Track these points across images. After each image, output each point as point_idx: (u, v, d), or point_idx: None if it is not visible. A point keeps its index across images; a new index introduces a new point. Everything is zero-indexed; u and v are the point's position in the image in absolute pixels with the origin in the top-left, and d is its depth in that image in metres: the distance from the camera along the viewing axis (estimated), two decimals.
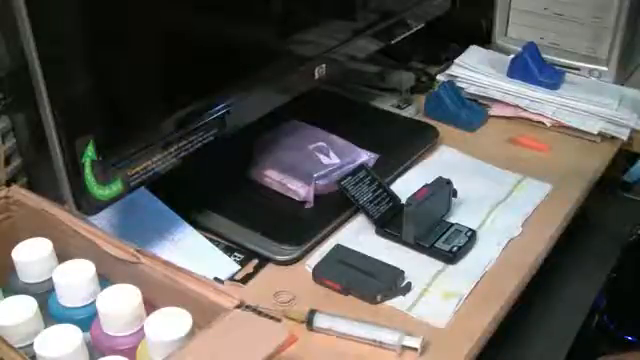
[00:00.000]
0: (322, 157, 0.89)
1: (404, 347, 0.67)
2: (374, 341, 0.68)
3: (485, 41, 1.19)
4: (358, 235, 0.82)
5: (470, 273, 0.77)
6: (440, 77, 1.11)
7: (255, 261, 0.79)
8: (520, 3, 1.16)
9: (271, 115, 0.84)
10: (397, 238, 0.81)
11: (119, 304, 0.57)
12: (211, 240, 0.81)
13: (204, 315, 0.54)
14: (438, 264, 0.78)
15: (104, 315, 0.57)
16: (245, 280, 0.77)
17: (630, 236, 1.14)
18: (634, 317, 1.08)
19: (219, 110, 0.76)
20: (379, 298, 0.73)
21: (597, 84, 1.10)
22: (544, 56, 1.10)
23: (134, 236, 0.74)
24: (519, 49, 1.10)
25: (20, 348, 0.54)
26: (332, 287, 0.75)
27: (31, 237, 0.63)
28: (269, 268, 0.78)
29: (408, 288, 0.75)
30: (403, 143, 0.97)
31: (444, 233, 0.80)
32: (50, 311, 0.60)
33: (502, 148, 1.00)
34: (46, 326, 0.57)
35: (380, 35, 1.00)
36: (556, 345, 0.92)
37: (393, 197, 0.85)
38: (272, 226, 0.81)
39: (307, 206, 0.84)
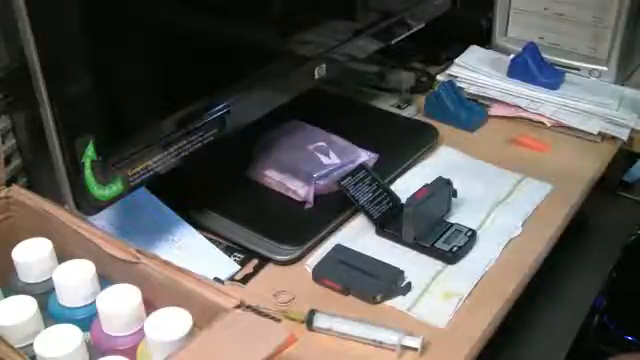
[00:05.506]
0: (322, 157, 0.89)
1: (404, 347, 0.67)
2: (374, 341, 0.68)
3: (485, 41, 1.19)
4: (358, 235, 0.82)
5: (470, 273, 0.77)
6: (440, 77, 1.11)
7: (255, 261, 0.79)
8: (520, 3, 1.16)
9: (271, 115, 0.84)
10: (397, 238, 0.81)
11: (119, 304, 0.56)
12: (211, 240, 0.81)
13: (204, 315, 0.54)
14: (438, 264, 0.78)
15: (104, 315, 0.57)
16: (245, 280, 0.77)
17: (630, 236, 1.14)
18: (634, 317, 1.08)
19: (219, 110, 0.76)
20: (379, 298, 0.73)
21: (597, 84, 1.10)
22: (544, 56, 1.10)
23: (134, 236, 0.75)
24: (519, 49, 1.10)
25: (20, 348, 0.54)
26: (332, 287, 0.75)
27: (31, 237, 0.63)
28: (269, 268, 0.78)
29: (408, 288, 0.75)
30: (403, 143, 0.97)
31: (444, 233, 0.80)
32: (50, 311, 0.60)
33: (502, 148, 1.00)
34: (46, 326, 0.57)
35: (380, 35, 1.00)
36: (556, 345, 0.93)
37: (393, 197, 0.85)
38: (272, 226, 0.81)
39: (307, 206, 0.84)
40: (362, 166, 0.86)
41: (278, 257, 0.78)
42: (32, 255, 0.62)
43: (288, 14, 0.85)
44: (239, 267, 0.78)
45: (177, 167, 0.73)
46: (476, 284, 0.76)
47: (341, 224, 0.84)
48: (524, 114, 1.05)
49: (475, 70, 1.10)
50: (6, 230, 0.66)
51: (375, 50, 1.01)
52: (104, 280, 0.61)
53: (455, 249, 0.78)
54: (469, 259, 0.79)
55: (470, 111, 1.06)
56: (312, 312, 0.70)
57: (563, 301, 0.98)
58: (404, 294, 0.74)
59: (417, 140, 0.99)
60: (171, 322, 0.54)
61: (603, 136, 1.01)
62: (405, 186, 0.88)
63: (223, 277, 0.76)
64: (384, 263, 0.77)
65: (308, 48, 0.88)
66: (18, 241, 0.63)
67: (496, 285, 0.76)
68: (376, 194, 0.84)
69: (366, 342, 0.68)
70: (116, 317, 0.56)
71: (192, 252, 0.78)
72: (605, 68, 1.11)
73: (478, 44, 1.17)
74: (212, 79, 0.76)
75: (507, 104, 1.07)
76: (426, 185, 0.82)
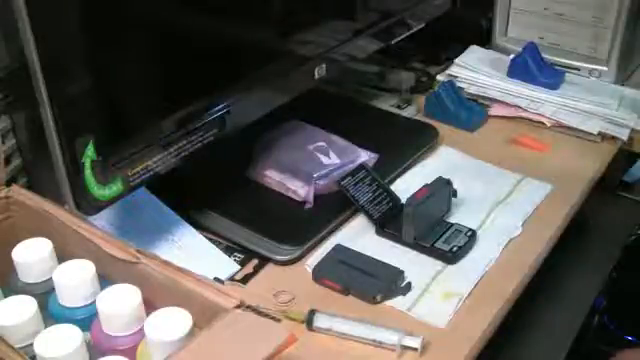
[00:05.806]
0: (322, 157, 0.89)
1: (404, 347, 0.67)
2: (374, 341, 0.68)
3: (485, 41, 1.19)
4: (358, 235, 0.82)
5: (470, 273, 0.77)
6: (440, 77, 1.11)
7: (255, 261, 0.79)
8: (520, 3, 1.16)
9: (271, 115, 0.84)
10: (397, 238, 0.81)
11: (119, 304, 0.56)
12: (211, 240, 0.81)
13: (204, 315, 0.54)
14: (438, 264, 0.78)
15: (104, 315, 0.57)
16: (245, 280, 0.77)
17: (630, 236, 1.14)
18: (634, 317, 1.08)
19: (219, 110, 0.76)
20: (379, 298, 0.73)
21: (597, 84, 1.10)
22: (544, 56, 1.10)
23: (134, 236, 0.75)
24: (519, 49, 1.10)
25: (20, 348, 0.54)
26: (332, 287, 0.75)
27: (31, 237, 0.63)
28: (269, 268, 0.78)
29: (408, 288, 0.75)
30: (403, 143, 0.97)
31: (444, 233, 0.80)
32: (50, 311, 0.60)
33: (502, 148, 1.00)
34: (46, 326, 0.57)
35: (380, 35, 1.00)
36: (556, 345, 0.93)
37: (393, 197, 0.85)
38: (272, 226, 0.81)
39: (307, 206, 0.84)
40: (362, 166, 0.86)
41: (278, 257, 0.78)
42: (32, 255, 0.62)
43: (288, 14, 0.85)
44: (239, 267, 0.78)
45: (177, 167, 0.73)
46: (476, 284, 0.76)
47: (341, 224, 0.84)
48: (524, 114, 1.05)
49: (475, 70, 1.10)
50: (6, 230, 0.66)
51: (375, 50, 1.01)
52: (104, 280, 0.61)
53: (455, 249, 0.78)
54: (469, 259, 0.79)
55: (470, 111, 1.06)
56: (312, 312, 0.70)
57: (563, 301, 0.98)
58: (404, 294, 0.74)
59: (417, 140, 0.99)
60: (171, 322, 0.54)
61: (603, 136, 1.01)
62: (405, 186, 0.88)
63: (223, 277, 0.76)
64: (384, 263, 0.77)
65: (308, 48, 0.88)
66: (18, 241, 0.63)
67: (496, 285, 0.76)
68: (376, 194, 0.84)
69: (366, 342, 0.68)
70: (116, 317, 0.56)
71: (192, 252, 0.78)
72: (605, 68, 1.11)
73: (478, 44, 1.17)
74: (212, 79, 0.76)
75: (507, 104, 1.07)
76: (426, 185, 0.82)
